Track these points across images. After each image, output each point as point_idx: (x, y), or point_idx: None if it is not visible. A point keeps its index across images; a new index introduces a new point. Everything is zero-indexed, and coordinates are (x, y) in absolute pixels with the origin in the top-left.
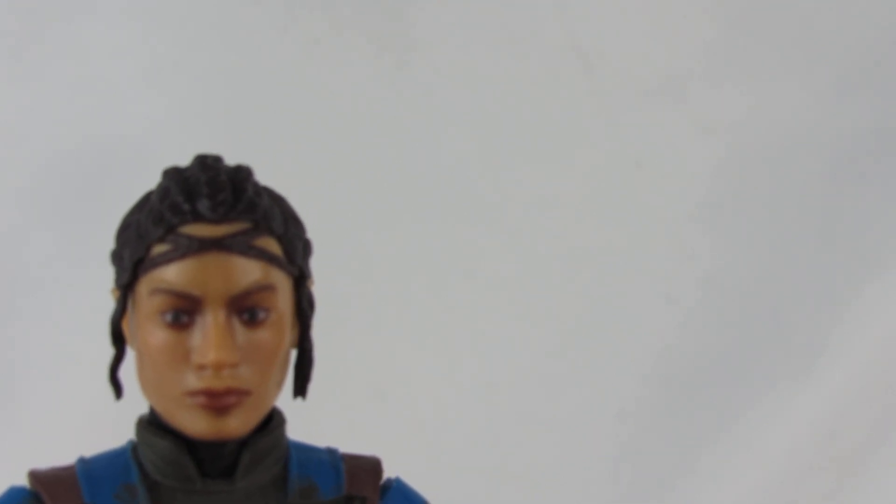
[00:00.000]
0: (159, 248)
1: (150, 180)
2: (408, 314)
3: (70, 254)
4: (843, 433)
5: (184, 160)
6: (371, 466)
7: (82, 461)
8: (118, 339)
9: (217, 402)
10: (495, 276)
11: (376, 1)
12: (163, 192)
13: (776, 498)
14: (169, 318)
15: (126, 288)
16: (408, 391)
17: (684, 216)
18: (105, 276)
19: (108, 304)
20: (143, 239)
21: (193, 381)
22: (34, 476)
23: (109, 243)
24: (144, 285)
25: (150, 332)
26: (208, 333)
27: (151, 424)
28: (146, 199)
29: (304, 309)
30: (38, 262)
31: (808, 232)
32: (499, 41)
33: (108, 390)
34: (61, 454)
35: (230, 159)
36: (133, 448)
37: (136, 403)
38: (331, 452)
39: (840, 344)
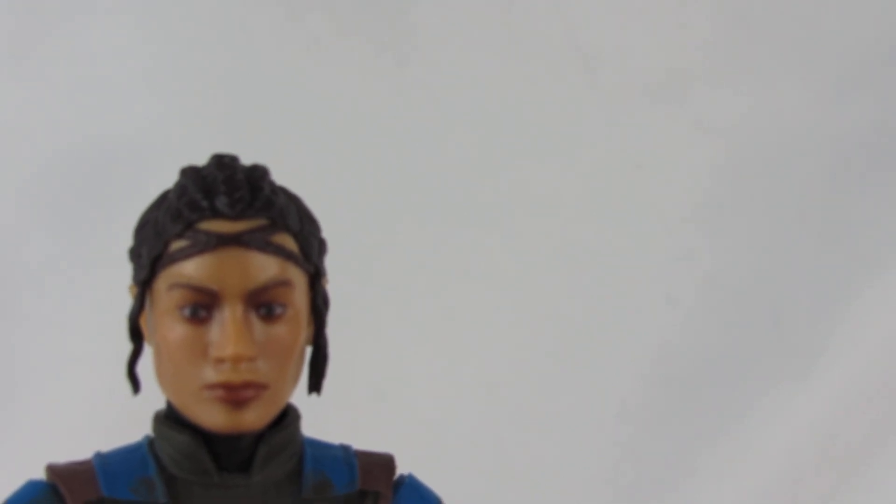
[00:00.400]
0: (178, 244)
1: (150, 180)
2: (408, 314)
3: (70, 254)
4: (842, 434)
5: (183, 160)
6: (384, 463)
7: (99, 455)
8: (136, 336)
9: (235, 395)
10: (495, 276)
11: (376, 1)
12: (181, 189)
13: (776, 498)
14: (187, 312)
15: (144, 284)
16: (408, 391)
17: (684, 216)
18: (104, 276)
19: (108, 303)
20: (161, 235)
21: (211, 374)
22: (52, 470)
23: (109, 243)
24: (163, 281)
25: (169, 326)
26: (226, 327)
27: (168, 419)
28: (163, 197)
29: (319, 306)
30: (38, 262)
31: (808, 232)
32: (499, 41)
33: (107, 390)
34: (61, 454)
35: None
36: (150, 443)
37: (137, 403)
38: (344, 449)
39: (840, 344)
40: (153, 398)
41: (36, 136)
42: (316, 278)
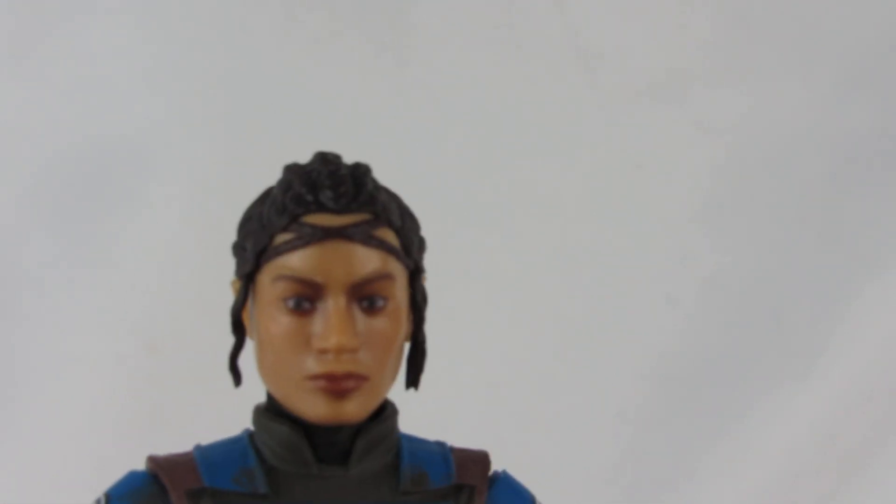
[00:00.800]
0: (283, 237)
1: (150, 180)
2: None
3: (70, 254)
4: (843, 434)
5: (183, 160)
6: (479, 458)
7: (199, 448)
8: (238, 329)
9: (337, 385)
10: (495, 276)
11: (376, 1)
12: (285, 185)
13: (776, 498)
14: (291, 304)
15: (248, 277)
16: (408, 391)
17: (684, 216)
18: (104, 276)
19: (108, 303)
20: (266, 229)
21: (314, 365)
22: (153, 461)
23: (109, 243)
24: (267, 273)
25: (273, 318)
26: (330, 318)
27: (269, 411)
28: (267, 193)
29: (418, 302)
30: (38, 262)
31: (809, 232)
32: (499, 41)
33: (107, 389)
34: (61, 454)
35: (229, 159)
36: (250, 435)
37: (135, 405)
38: (440, 444)
39: (840, 345)
40: (152, 399)
41: (36, 136)
42: (415, 274)
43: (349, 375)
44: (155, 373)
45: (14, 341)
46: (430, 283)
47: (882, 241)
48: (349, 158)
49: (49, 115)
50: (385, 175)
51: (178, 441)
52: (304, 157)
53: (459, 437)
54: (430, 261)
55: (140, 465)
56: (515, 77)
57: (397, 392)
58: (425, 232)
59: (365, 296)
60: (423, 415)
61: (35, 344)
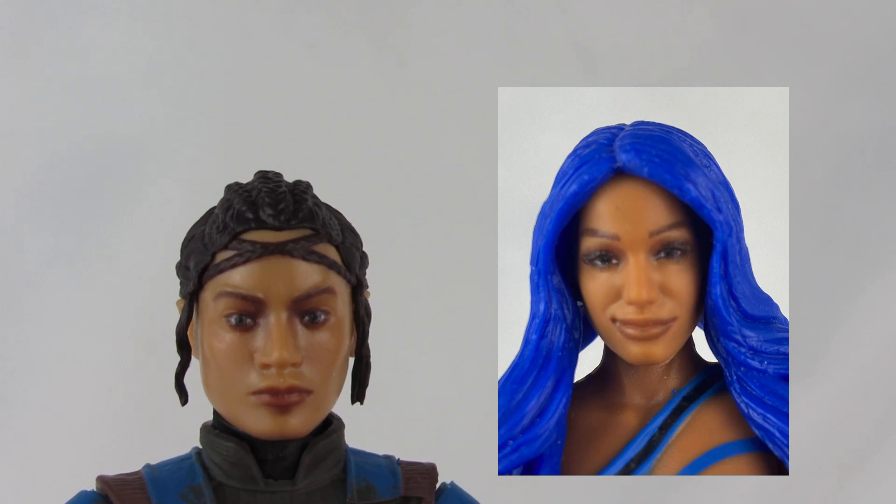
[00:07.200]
0: (224, 255)
1: (149, 180)
2: (408, 314)
3: (69, 253)
4: (842, 434)
5: (183, 160)
6: (426, 470)
7: (149, 466)
8: (183, 347)
9: (280, 399)
10: (495, 275)
11: (376, 1)
12: (226, 203)
13: (776, 498)
14: (233, 320)
15: (192, 296)
16: (408, 391)
17: None
18: (104, 276)
19: (108, 303)
20: (208, 247)
21: (257, 380)
22: (103, 481)
23: (109, 243)
24: (210, 291)
25: (216, 334)
26: (271, 333)
27: (216, 428)
28: (209, 213)
29: (361, 317)
30: (38, 262)
31: (808, 232)
32: (498, 41)
33: (107, 389)
34: (60, 454)
35: (230, 159)
36: (198, 453)
37: (133, 406)
38: (388, 458)
39: (840, 345)
40: (151, 399)
41: (36, 136)
42: (358, 289)
43: (292, 389)
44: (155, 373)
45: (14, 341)
46: (431, 281)
47: (882, 241)
48: (349, 157)
49: (49, 114)
50: (384, 174)
51: (178, 441)
52: (303, 157)
53: (459, 437)
54: (430, 259)
55: (140, 464)
56: (515, 76)
57: (396, 392)
58: (428, 231)
59: (306, 310)
60: (422, 414)
61: (35, 343)
